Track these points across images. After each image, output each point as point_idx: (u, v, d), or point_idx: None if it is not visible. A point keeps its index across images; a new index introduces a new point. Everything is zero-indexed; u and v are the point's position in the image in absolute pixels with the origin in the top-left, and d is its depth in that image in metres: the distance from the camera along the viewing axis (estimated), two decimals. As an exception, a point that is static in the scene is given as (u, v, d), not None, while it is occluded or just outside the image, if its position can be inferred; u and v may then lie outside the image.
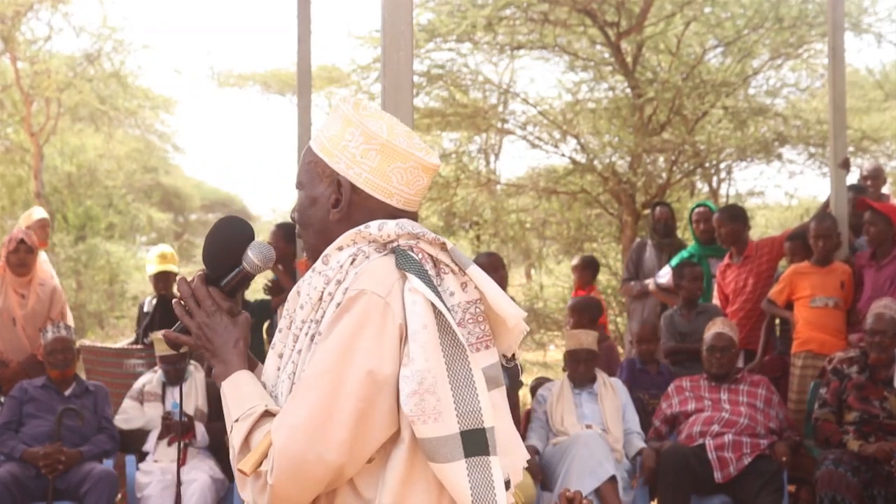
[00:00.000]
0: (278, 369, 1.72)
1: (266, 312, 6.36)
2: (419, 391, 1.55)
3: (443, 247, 1.67)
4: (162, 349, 5.57)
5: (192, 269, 18.27)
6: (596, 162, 12.12)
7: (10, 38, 14.43)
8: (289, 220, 7.96)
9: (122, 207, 18.52)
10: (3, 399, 5.39)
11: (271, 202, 47.90)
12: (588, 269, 7.93)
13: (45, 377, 5.36)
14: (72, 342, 5.43)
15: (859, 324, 5.49)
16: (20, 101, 15.22)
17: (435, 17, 11.22)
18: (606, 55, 11.80)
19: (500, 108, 12.85)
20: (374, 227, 1.67)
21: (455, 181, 12.19)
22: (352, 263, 1.65)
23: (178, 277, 1.74)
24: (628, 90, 11.70)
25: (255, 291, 8.31)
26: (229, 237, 1.82)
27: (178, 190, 22.64)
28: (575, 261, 8.30)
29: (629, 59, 11.44)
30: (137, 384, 5.72)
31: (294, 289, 1.74)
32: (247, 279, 1.83)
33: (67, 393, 5.31)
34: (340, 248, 1.68)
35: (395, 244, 1.66)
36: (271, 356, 1.73)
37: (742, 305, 6.24)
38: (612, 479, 4.92)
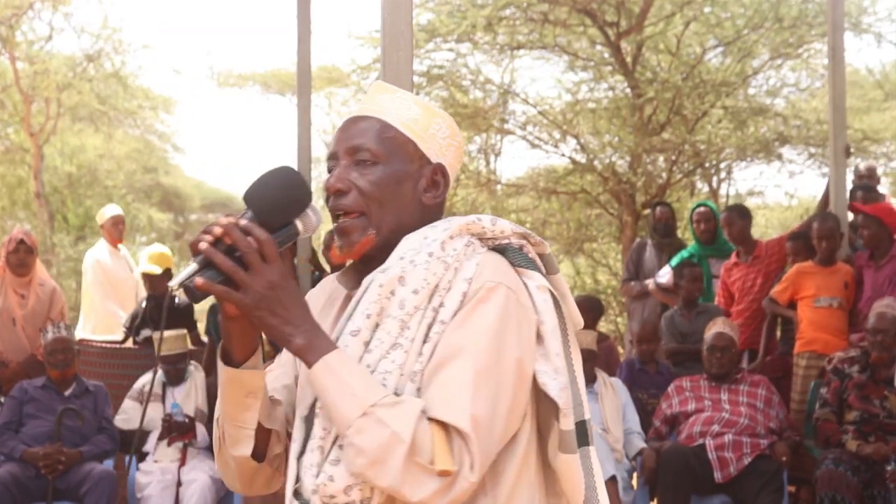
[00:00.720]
0: (362, 357, 1.56)
1: None
2: (565, 386, 1.58)
3: (542, 249, 1.68)
4: (164, 349, 5.57)
5: (192, 270, 18.25)
6: (596, 162, 12.13)
7: (10, 38, 14.42)
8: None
9: (122, 207, 18.50)
10: (3, 399, 5.39)
11: (271, 202, 47.80)
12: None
13: (45, 377, 5.36)
14: (72, 342, 5.43)
15: (860, 324, 5.49)
16: (20, 101, 15.22)
17: (435, 17, 11.23)
18: (606, 55, 11.82)
19: (500, 108, 12.86)
20: (487, 222, 1.64)
21: (455, 181, 12.19)
22: (465, 255, 1.60)
23: (225, 221, 1.50)
24: (628, 90, 11.71)
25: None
26: (290, 188, 1.58)
27: (178, 190, 22.62)
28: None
29: (629, 59, 11.45)
30: (137, 384, 5.72)
31: (382, 276, 1.57)
32: (290, 241, 1.59)
33: (67, 393, 5.31)
34: (451, 237, 1.60)
35: (506, 241, 1.64)
36: (354, 343, 1.54)
37: (748, 305, 6.24)
38: (612, 479, 4.92)
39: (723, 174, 15.21)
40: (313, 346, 1.51)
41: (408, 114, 1.69)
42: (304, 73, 6.35)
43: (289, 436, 1.66)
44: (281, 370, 1.74)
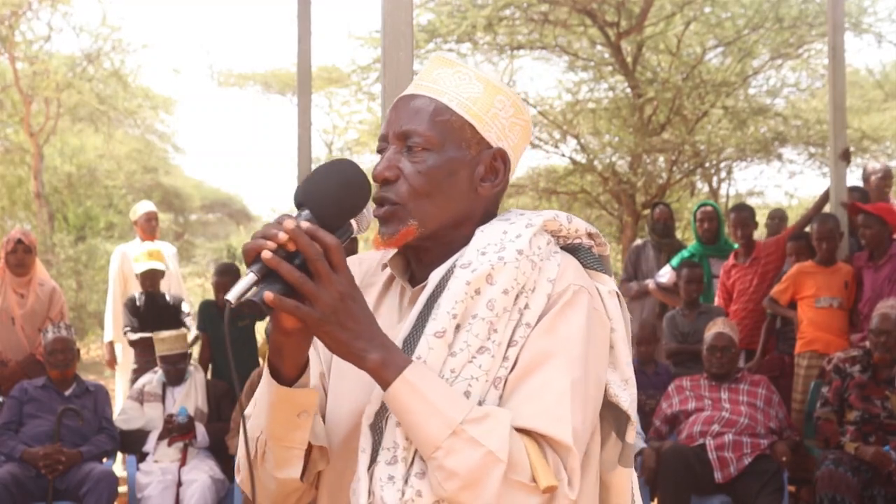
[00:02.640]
0: (446, 361, 1.44)
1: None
2: (635, 398, 1.52)
3: (604, 251, 1.60)
4: (164, 349, 5.57)
5: (192, 270, 18.29)
6: (596, 162, 12.14)
7: (9, 38, 14.42)
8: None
9: (122, 207, 18.51)
10: (3, 399, 5.39)
11: (271, 202, 47.90)
12: None
13: (46, 377, 5.35)
14: (72, 342, 5.43)
15: (860, 324, 5.49)
16: (20, 101, 15.22)
17: (435, 17, 11.24)
18: (606, 55, 11.82)
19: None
20: (564, 219, 1.53)
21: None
22: (546, 253, 1.50)
23: (292, 225, 1.30)
24: (628, 90, 11.71)
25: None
26: (352, 185, 1.42)
27: (178, 190, 22.62)
28: None
29: (629, 60, 11.45)
30: (137, 384, 5.72)
31: (469, 273, 1.45)
32: (346, 243, 1.42)
33: (67, 393, 5.31)
34: (535, 235, 1.49)
35: (578, 241, 1.56)
36: (439, 346, 1.41)
37: (745, 305, 6.24)
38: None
39: (723, 174, 15.23)
40: (389, 362, 1.36)
41: (468, 92, 1.54)
42: (304, 73, 6.35)
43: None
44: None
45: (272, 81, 20.82)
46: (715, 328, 5.41)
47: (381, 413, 1.42)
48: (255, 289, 1.30)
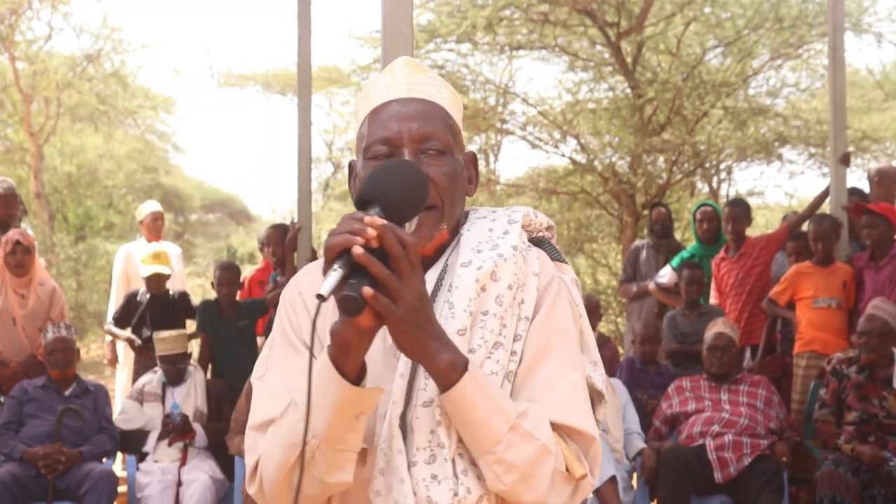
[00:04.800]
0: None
1: (259, 312, 6.29)
2: (604, 376, 1.58)
3: (554, 240, 1.68)
4: (164, 349, 5.57)
5: (192, 270, 18.28)
6: (596, 162, 12.13)
7: (9, 37, 14.41)
8: (283, 221, 7.85)
9: (122, 207, 18.51)
10: (3, 399, 5.39)
11: (271, 202, 47.91)
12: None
13: (46, 377, 5.35)
14: (72, 342, 5.43)
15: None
16: (20, 101, 15.22)
17: (435, 17, 11.23)
18: (606, 55, 11.81)
19: (500, 109, 12.86)
20: (532, 214, 1.60)
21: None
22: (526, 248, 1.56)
23: (380, 222, 1.30)
24: (628, 90, 11.71)
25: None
26: (419, 186, 1.41)
27: (178, 190, 22.63)
28: None
29: (629, 60, 11.45)
30: (137, 384, 5.72)
31: (476, 272, 1.48)
32: None
33: (67, 393, 5.31)
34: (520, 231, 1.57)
35: (541, 234, 1.61)
36: (462, 344, 1.43)
37: (735, 300, 6.27)
38: (612, 479, 4.92)
39: (723, 174, 15.23)
40: (458, 361, 1.37)
41: (446, 97, 1.58)
42: (304, 73, 6.35)
43: None
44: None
45: (272, 81, 20.83)
46: (715, 328, 5.41)
47: (406, 413, 1.43)
48: (347, 284, 1.29)
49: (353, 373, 1.38)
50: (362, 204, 1.38)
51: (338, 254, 1.30)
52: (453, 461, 1.41)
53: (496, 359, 1.45)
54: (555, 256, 1.59)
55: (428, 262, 1.52)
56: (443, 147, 1.52)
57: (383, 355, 1.48)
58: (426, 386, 1.43)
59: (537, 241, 1.60)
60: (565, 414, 1.43)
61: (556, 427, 1.42)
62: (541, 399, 1.43)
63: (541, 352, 1.46)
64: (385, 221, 1.31)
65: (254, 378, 1.58)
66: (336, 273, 1.29)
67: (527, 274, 1.50)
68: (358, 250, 1.28)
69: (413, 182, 1.40)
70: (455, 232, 1.57)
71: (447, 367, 1.36)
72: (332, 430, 1.39)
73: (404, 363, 1.45)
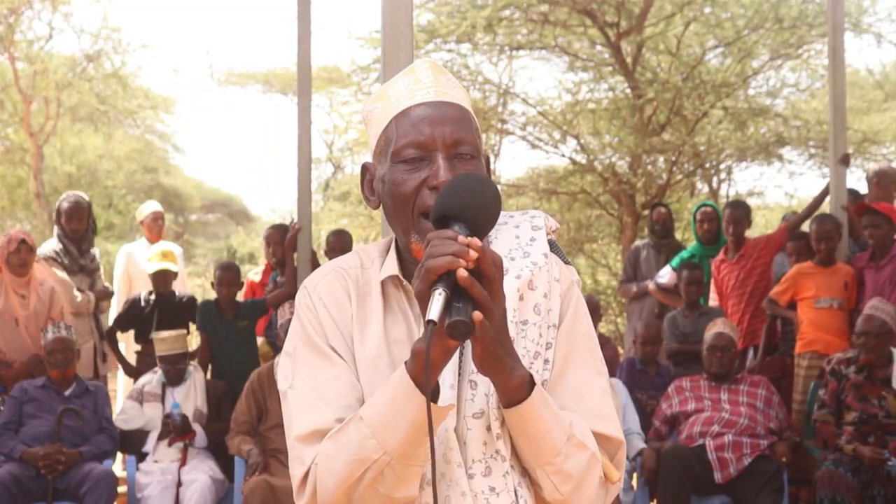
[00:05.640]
0: None
1: (259, 312, 6.26)
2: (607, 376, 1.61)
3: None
4: (164, 349, 5.56)
5: (192, 270, 18.29)
6: (596, 163, 12.14)
7: (9, 37, 14.41)
8: (283, 222, 7.85)
9: (122, 208, 18.52)
10: (3, 399, 5.39)
11: (271, 202, 47.90)
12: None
13: (45, 377, 5.35)
14: (72, 342, 5.42)
15: (861, 325, 5.50)
16: (19, 101, 15.22)
17: (435, 17, 11.24)
18: (606, 56, 11.81)
19: (500, 109, 12.86)
20: (545, 218, 1.62)
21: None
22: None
23: (478, 244, 1.30)
24: (628, 90, 11.71)
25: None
26: (496, 201, 1.42)
27: (178, 190, 22.60)
28: None
29: (629, 60, 11.45)
30: (137, 384, 5.72)
31: (515, 281, 1.48)
32: None
33: (67, 393, 5.31)
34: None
35: (551, 238, 1.61)
36: None
37: (736, 301, 6.27)
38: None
39: (723, 175, 15.22)
40: (527, 377, 1.38)
41: (466, 101, 1.59)
42: (304, 73, 6.35)
43: None
44: (348, 376, 1.51)
45: (272, 81, 20.82)
46: (715, 328, 5.41)
47: (458, 425, 1.44)
48: (453, 307, 1.29)
49: (435, 390, 1.39)
50: (443, 220, 1.37)
51: (440, 276, 1.30)
52: (507, 474, 1.43)
53: (536, 368, 1.45)
54: (565, 260, 1.60)
55: None
56: (473, 151, 1.52)
57: None
58: (473, 397, 1.43)
59: (548, 245, 1.60)
60: (598, 422, 1.46)
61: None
62: (572, 407, 1.45)
63: (568, 359, 1.48)
64: (481, 242, 1.31)
65: (282, 387, 1.56)
66: (441, 296, 1.29)
67: (550, 280, 1.51)
68: (463, 273, 1.28)
69: (490, 196, 1.39)
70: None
71: (520, 384, 1.37)
72: (405, 446, 1.38)
73: (452, 375, 1.45)
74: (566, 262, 1.59)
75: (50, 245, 6.23)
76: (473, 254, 1.29)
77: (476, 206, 1.37)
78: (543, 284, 1.48)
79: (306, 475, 1.47)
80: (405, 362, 1.38)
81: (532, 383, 1.38)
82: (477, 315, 1.28)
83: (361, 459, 1.39)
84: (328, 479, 1.43)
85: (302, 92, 6.35)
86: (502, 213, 1.56)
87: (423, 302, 1.31)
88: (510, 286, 1.45)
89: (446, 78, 1.57)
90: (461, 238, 1.30)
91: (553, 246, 1.60)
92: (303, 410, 1.49)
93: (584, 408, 1.46)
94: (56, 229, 6.25)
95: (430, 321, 1.28)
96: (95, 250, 6.47)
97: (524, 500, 1.42)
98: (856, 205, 6.06)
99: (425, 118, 1.51)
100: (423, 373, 1.33)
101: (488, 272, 1.30)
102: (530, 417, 1.38)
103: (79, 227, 6.20)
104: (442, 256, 1.29)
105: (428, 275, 1.30)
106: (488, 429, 1.42)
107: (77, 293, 6.08)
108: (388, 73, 3.57)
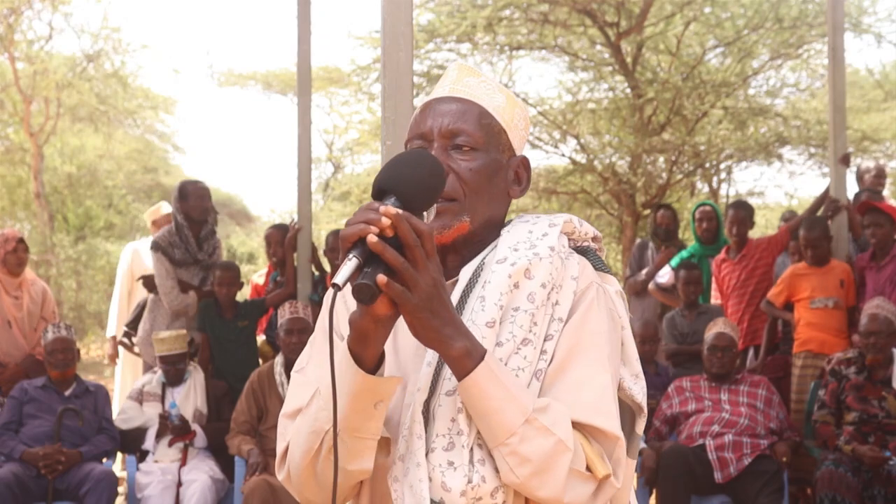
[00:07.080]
0: (493, 352, 1.48)
1: (259, 312, 6.25)
2: (644, 390, 1.60)
3: (602, 254, 1.69)
4: (164, 349, 5.56)
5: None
6: (596, 162, 12.14)
7: (9, 37, 14.41)
8: (283, 222, 7.82)
9: (122, 207, 18.53)
10: (3, 399, 5.39)
11: (271, 202, 47.91)
12: None
13: (46, 377, 5.35)
14: (72, 342, 5.43)
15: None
16: (20, 101, 15.22)
17: (435, 17, 11.24)
18: (606, 55, 11.81)
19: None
20: (576, 222, 1.62)
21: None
22: (566, 252, 1.57)
23: (394, 211, 1.31)
24: (628, 90, 11.71)
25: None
26: (435, 175, 1.42)
27: (179, 190, 22.58)
28: None
29: (629, 60, 11.45)
30: (137, 384, 5.72)
31: (509, 267, 1.50)
32: None
33: (67, 393, 5.31)
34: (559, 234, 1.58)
35: (586, 244, 1.63)
36: (490, 336, 1.47)
37: (737, 301, 6.26)
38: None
39: (723, 175, 15.23)
40: (472, 349, 1.39)
41: (496, 101, 1.62)
42: (304, 73, 6.35)
43: None
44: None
45: (272, 81, 20.82)
46: (715, 328, 5.41)
47: (430, 401, 1.45)
48: (362, 272, 1.30)
49: (371, 362, 1.40)
50: (379, 194, 1.38)
51: (353, 243, 1.31)
52: (471, 450, 1.42)
53: (524, 355, 1.46)
54: (599, 266, 1.60)
55: (465, 260, 1.56)
56: (473, 143, 1.56)
57: (415, 346, 1.49)
58: (451, 375, 1.44)
59: (582, 251, 1.62)
60: (591, 414, 1.44)
61: (580, 427, 1.44)
62: (568, 399, 1.44)
63: (571, 353, 1.48)
64: (399, 210, 1.32)
65: (294, 370, 1.61)
66: (351, 262, 1.30)
67: (564, 276, 1.52)
68: (372, 239, 1.29)
69: (429, 171, 1.40)
70: (495, 233, 1.60)
71: (461, 355, 1.38)
72: (350, 418, 1.41)
73: (432, 353, 1.46)
74: (601, 270, 1.60)
75: (163, 233, 5.86)
76: (386, 221, 1.30)
77: (410, 180, 1.38)
78: (544, 275, 1.49)
79: (285, 451, 1.52)
80: (347, 335, 1.40)
81: (481, 359, 1.38)
82: (380, 278, 1.29)
83: (316, 431, 1.44)
84: (295, 452, 1.49)
85: (302, 92, 6.35)
86: (535, 214, 1.62)
87: None
88: (502, 272, 1.49)
89: (476, 79, 1.62)
90: (380, 207, 1.31)
91: (587, 252, 1.62)
92: (297, 390, 1.55)
93: (583, 401, 1.45)
94: (175, 215, 5.85)
95: (334, 284, 1.29)
96: (218, 242, 6.07)
97: (480, 477, 1.40)
98: (860, 203, 6.06)
99: (430, 111, 1.58)
100: (359, 343, 1.37)
101: (407, 239, 1.31)
102: (476, 393, 1.38)
103: (203, 206, 5.84)
104: (355, 224, 1.31)
105: (343, 243, 1.32)
106: (459, 407, 1.43)
107: (172, 293, 5.76)
108: (388, 72, 3.57)
